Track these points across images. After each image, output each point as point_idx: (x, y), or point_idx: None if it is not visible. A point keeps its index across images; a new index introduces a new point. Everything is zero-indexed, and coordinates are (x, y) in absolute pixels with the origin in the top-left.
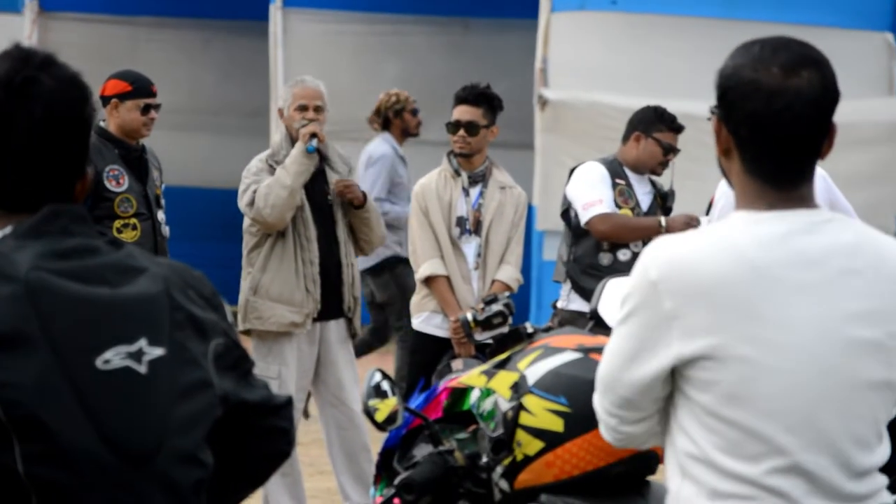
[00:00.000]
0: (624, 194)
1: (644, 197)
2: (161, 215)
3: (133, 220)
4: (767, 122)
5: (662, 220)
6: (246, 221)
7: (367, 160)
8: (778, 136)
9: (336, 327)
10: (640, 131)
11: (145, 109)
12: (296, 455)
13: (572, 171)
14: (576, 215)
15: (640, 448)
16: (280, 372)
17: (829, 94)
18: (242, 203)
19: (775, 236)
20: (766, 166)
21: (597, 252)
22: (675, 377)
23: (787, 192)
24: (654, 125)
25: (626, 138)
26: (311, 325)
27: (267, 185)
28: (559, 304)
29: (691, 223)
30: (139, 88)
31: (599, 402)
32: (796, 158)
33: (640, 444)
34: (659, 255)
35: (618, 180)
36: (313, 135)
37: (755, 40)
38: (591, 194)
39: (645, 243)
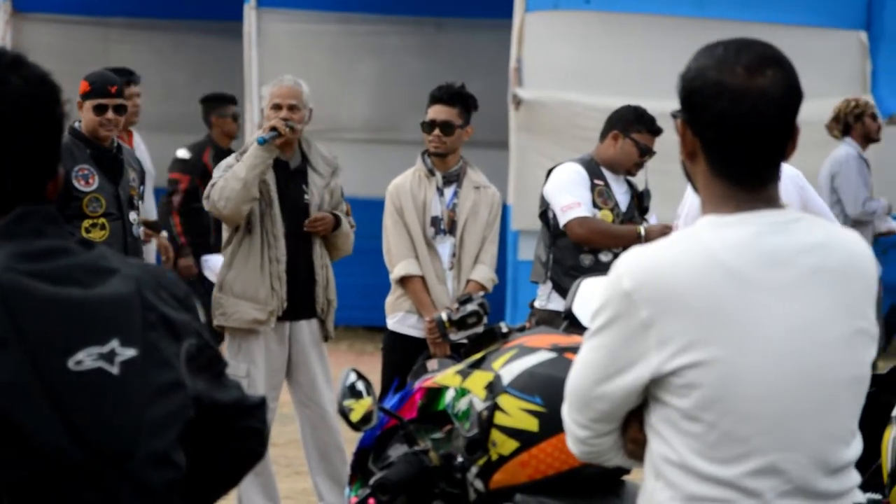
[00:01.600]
0: (603, 195)
1: (622, 197)
2: (133, 216)
3: (102, 220)
4: (734, 122)
5: (642, 229)
6: None
7: (831, 166)
8: (744, 136)
9: (308, 328)
10: (619, 130)
11: (99, 109)
12: (268, 455)
13: (550, 171)
14: (554, 216)
15: (606, 464)
16: (249, 371)
17: (793, 94)
18: (203, 195)
19: (745, 238)
20: (733, 167)
21: (578, 253)
22: (649, 384)
23: (755, 192)
24: (633, 125)
25: (603, 136)
26: (275, 323)
27: (224, 178)
28: (537, 304)
29: (667, 232)
30: (96, 89)
31: (569, 415)
32: (763, 158)
33: (607, 459)
34: (631, 265)
35: (596, 181)
36: (272, 128)
37: (718, 42)
38: (570, 197)
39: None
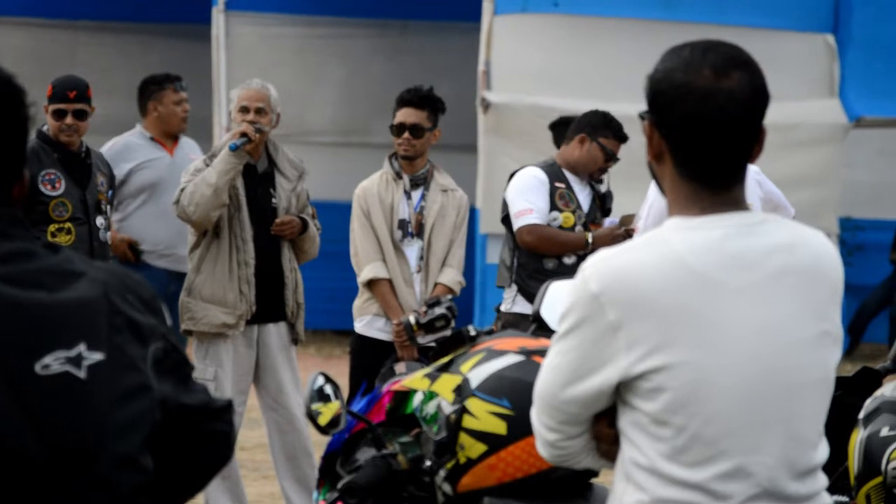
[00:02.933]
0: (564, 197)
1: (584, 199)
2: (100, 221)
3: (68, 225)
4: (701, 123)
5: (589, 236)
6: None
7: None
8: (711, 137)
9: (276, 331)
10: (587, 133)
11: (58, 114)
12: (236, 459)
13: (512, 175)
14: None
15: (576, 467)
16: (216, 374)
17: (760, 96)
18: (172, 200)
19: (712, 241)
20: (700, 168)
21: (541, 256)
22: (618, 388)
23: (721, 194)
24: (601, 130)
25: (569, 139)
26: (244, 326)
27: (194, 183)
28: (503, 308)
29: (617, 236)
30: (55, 93)
31: (538, 419)
32: (729, 160)
33: (577, 461)
34: (599, 267)
35: (557, 184)
36: (243, 134)
37: (684, 44)
38: (524, 203)
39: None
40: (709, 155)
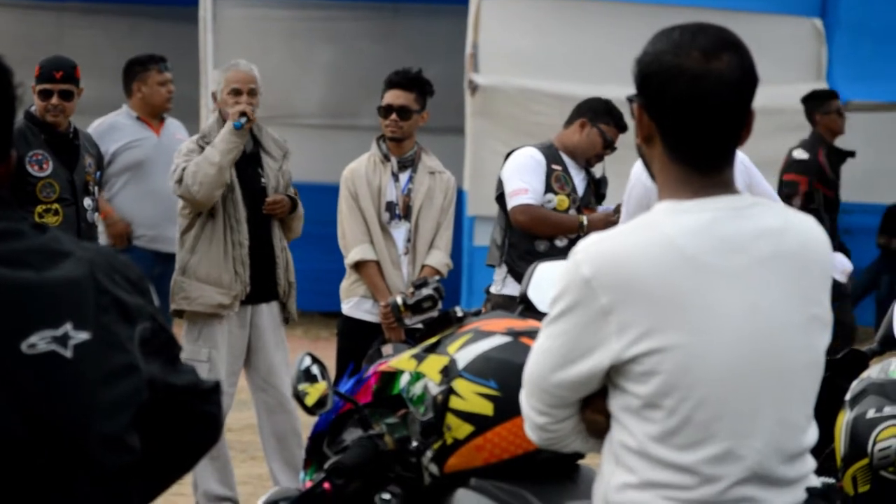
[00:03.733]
0: (560, 180)
1: (579, 183)
2: (88, 202)
3: (55, 206)
4: (690, 105)
5: (584, 219)
6: (179, 203)
7: None
8: (701, 119)
9: (268, 311)
10: (588, 119)
11: (44, 94)
12: (224, 439)
13: (509, 154)
14: None
15: (565, 450)
16: (210, 355)
17: (749, 78)
18: (171, 181)
19: (702, 224)
20: (689, 151)
21: (533, 238)
22: (609, 371)
23: (711, 177)
24: (602, 117)
25: (569, 122)
26: (239, 307)
27: (195, 162)
28: (492, 289)
29: (611, 221)
30: (42, 73)
31: (528, 402)
32: (719, 142)
33: (566, 444)
34: (590, 252)
35: (554, 166)
36: (242, 113)
37: (674, 26)
38: (519, 182)
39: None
40: (699, 137)
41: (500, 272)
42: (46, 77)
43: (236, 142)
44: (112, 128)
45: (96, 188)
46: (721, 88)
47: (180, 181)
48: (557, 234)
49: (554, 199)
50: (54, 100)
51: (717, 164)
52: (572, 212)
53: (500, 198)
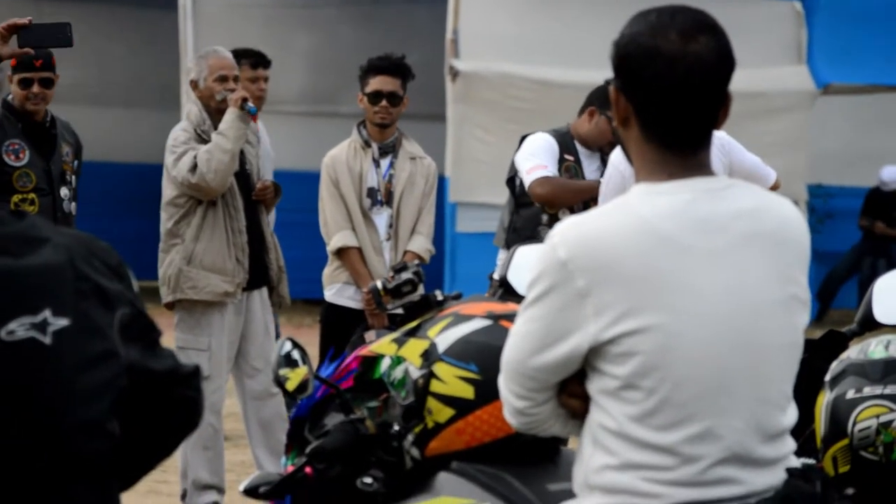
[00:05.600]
0: (570, 171)
1: (592, 174)
2: (65, 192)
3: (32, 196)
4: (668, 87)
5: (602, 182)
6: (171, 192)
7: None
8: (678, 100)
9: (259, 297)
10: (596, 107)
11: (25, 83)
12: (221, 429)
13: (523, 139)
14: (520, 184)
15: (544, 434)
16: (210, 343)
17: (726, 60)
18: (181, 170)
19: (679, 205)
20: (666, 132)
21: (536, 225)
22: (587, 353)
23: (687, 158)
24: (610, 104)
25: (581, 111)
26: (241, 294)
27: (206, 150)
28: (496, 275)
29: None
30: (21, 62)
31: (507, 386)
32: (696, 123)
33: (546, 428)
34: (566, 235)
35: (566, 155)
36: (245, 98)
37: (651, 9)
38: (535, 160)
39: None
40: (676, 119)
41: (504, 254)
42: (26, 66)
43: (244, 128)
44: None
45: (73, 177)
46: (698, 70)
47: (193, 169)
48: (577, 200)
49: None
50: (35, 88)
51: (694, 146)
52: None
53: (511, 181)
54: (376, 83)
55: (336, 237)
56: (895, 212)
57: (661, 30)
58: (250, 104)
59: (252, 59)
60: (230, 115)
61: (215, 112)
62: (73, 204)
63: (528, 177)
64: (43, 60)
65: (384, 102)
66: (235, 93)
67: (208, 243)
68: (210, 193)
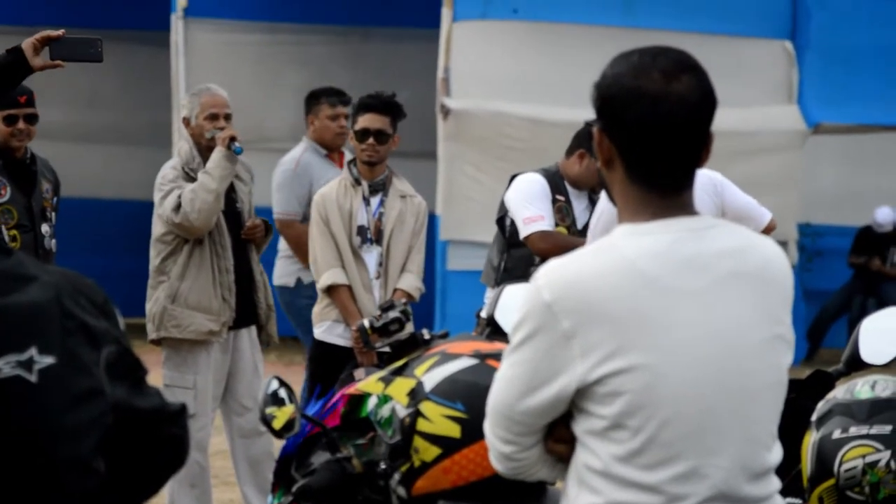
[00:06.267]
0: (562, 211)
1: (581, 214)
2: (46, 228)
3: (13, 232)
4: (652, 127)
5: (594, 216)
6: (158, 230)
7: None
8: (662, 141)
9: (248, 335)
10: (586, 149)
11: (9, 120)
12: (208, 467)
13: (513, 178)
14: (511, 224)
15: (531, 479)
16: (195, 381)
17: (708, 100)
18: (166, 209)
19: (662, 246)
20: (650, 173)
21: (528, 265)
22: (573, 394)
23: (671, 198)
24: None
25: (569, 153)
26: (227, 333)
27: (192, 190)
28: (483, 314)
29: None
30: (6, 99)
31: (493, 432)
32: (679, 163)
33: (532, 473)
34: (551, 277)
35: (558, 196)
36: (233, 138)
37: (633, 50)
38: (533, 209)
39: None
40: (659, 159)
41: (493, 294)
42: (11, 102)
43: (230, 167)
44: (309, 166)
45: (53, 214)
46: (681, 110)
47: (177, 209)
48: None
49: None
50: (20, 124)
51: (677, 185)
52: None
53: (501, 220)
54: (364, 121)
55: (326, 275)
56: (887, 251)
57: (643, 70)
58: (237, 144)
59: (333, 98)
60: (217, 155)
61: (206, 150)
62: (53, 241)
63: (526, 227)
64: (27, 97)
65: (371, 140)
66: (223, 132)
67: (194, 281)
68: (194, 232)
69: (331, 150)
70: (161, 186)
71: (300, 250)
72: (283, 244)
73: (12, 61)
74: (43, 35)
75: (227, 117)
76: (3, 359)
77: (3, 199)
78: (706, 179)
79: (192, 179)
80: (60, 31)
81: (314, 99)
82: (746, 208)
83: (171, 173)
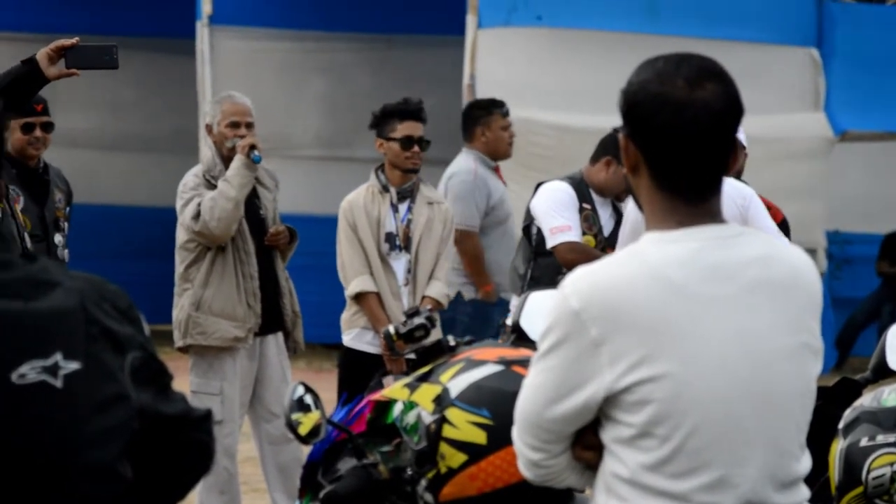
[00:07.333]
0: (589, 220)
1: (606, 222)
2: (59, 238)
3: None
4: (676, 134)
5: (624, 219)
6: (182, 237)
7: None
8: (687, 148)
9: (274, 342)
10: (612, 156)
11: (27, 128)
12: (236, 473)
13: (538, 186)
14: (538, 233)
15: (559, 486)
16: (222, 388)
17: (734, 107)
18: (186, 217)
19: (689, 253)
20: (675, 180)
21: (556, 273)
22: (601, 402)
23: (697, 206)
24: None
25: (594, 160)
26: (252, 340)
27: (211, 198)
28: (509, 321)
29: None
30: (22, 107)
31: (521, 439)
32: (705, 171)
33: (561, 480)
34: (578, 285)
35: (584, 204)
36: (252, 146)
37: (658, 56)
38: (560, 219)
39: None
40: (684, 166)
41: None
42: (27, 111)
43: (250, 176)
44: (485, 177)
45: (66, 224)
46: (705, 117)
47: (196, 217)
48: None
49: (581, 240)
50: (37, 132)
51: (703, 193)
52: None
53: (527, 228)
54: (406, 128)
55: (354, 282)
56: None
57: (668, 77)
58: (256, 153)
59: (502, 108)
60: (237, 163)
61: (227, 157)
62: (66, 251)
63: (553, 237)
64: (43, 105)
65: (416, 148)
66: (244, 140)
67: (217, 289)
68: (215, 240)
69: (498, 160)
70: (182, 194)
71: (476, 263)
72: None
73: (27, 72)
74: (57, 44)
75: (249, 125)
76: (28, 364)
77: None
78: (734, 191)
79: (214, 187)
80: (74, 40)
81: (482, 110)
82: (765, 227)
83: (192, 181)
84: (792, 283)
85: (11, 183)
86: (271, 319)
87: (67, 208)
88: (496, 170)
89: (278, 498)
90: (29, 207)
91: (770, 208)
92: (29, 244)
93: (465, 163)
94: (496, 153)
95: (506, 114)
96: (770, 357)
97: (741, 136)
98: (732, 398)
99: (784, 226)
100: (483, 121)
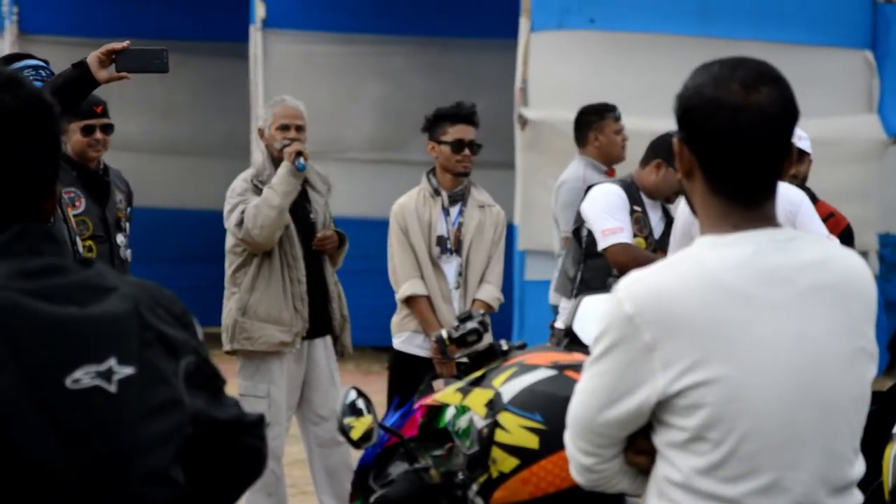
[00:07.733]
0: (640, 222)
1: (657, 224)
2: (121, 238)
3: (88, 243)
4: (730, 138)
5: (676, 218)
6: (230, 241)
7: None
8: (741, 152)
9: (323, 345)
10: (663, 159)
11: (87, 130)
12: (283, 475)
13: (588, 188)
14: (588, 234)
15: (611, 490)
16: (269, 391)
17: (789, 111)
18: (230, 223)
19: (744, 258)
20: (730, 184)
21: (606, 276)
22: (654, 406)
23: (752, 210)
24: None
25: (645, 162)
26: (300, 343)
27: (255, 205)
28: (558, 325)
29: None
30: (83, 110)
31: (574, 444)
32: (760, 175)
33: (613, 484)
34: (632, 289)
35: (635, 207)
36: (299, 153)
37: (713, 61)
38: (613, 221)
39: None
40: (739, 170)
41: (568, 304)
42: (87, 113)
43: (295, 183)
44: (593, 182)
45: (128, 224)
46: (761, 121)
47: (240, 224)
48: None
49: (633, 242)
50: (97, 134)
51: (758, 197)
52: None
53: (577, 231)
54: (457, 132)
55: (405, 285)
56: None
57: (723, 81)
58: (301, 160)
59: (614, 112)
60: (282, 170)
61: (278, 161)
62: (129, 251)
63: (604, 238)
64: (102, 107)
65: (467, 151)
66: (291, 146)
67: (263, 293)
68: (258, 248)
69: (612, 164)
70: (229, 199)
71: None
72: None
73: (78, 75)
74: (108, 48)
75: (300, 128)
76: (83, 369)
77: (77, 211)
78: (782, 197)
79: (261, 192)
80: (125, 43)
81: (595, 115)
82: (815, 231)
83: (240, 186)
84: (847, 287)
85: (73, 185)
86: (320, 323)
87: (128, 209)
88: (610, 173)
89: (326, 500)
90: (90, 209)
91: (834, 215)
92: (81, 249)
93: (574, 170)
94: (609, 157)
95: (618, 118)
96: (825, 362)
97: (806, 142)
98: (788, 402)
99: (848, 233)
100: (596, 125)
